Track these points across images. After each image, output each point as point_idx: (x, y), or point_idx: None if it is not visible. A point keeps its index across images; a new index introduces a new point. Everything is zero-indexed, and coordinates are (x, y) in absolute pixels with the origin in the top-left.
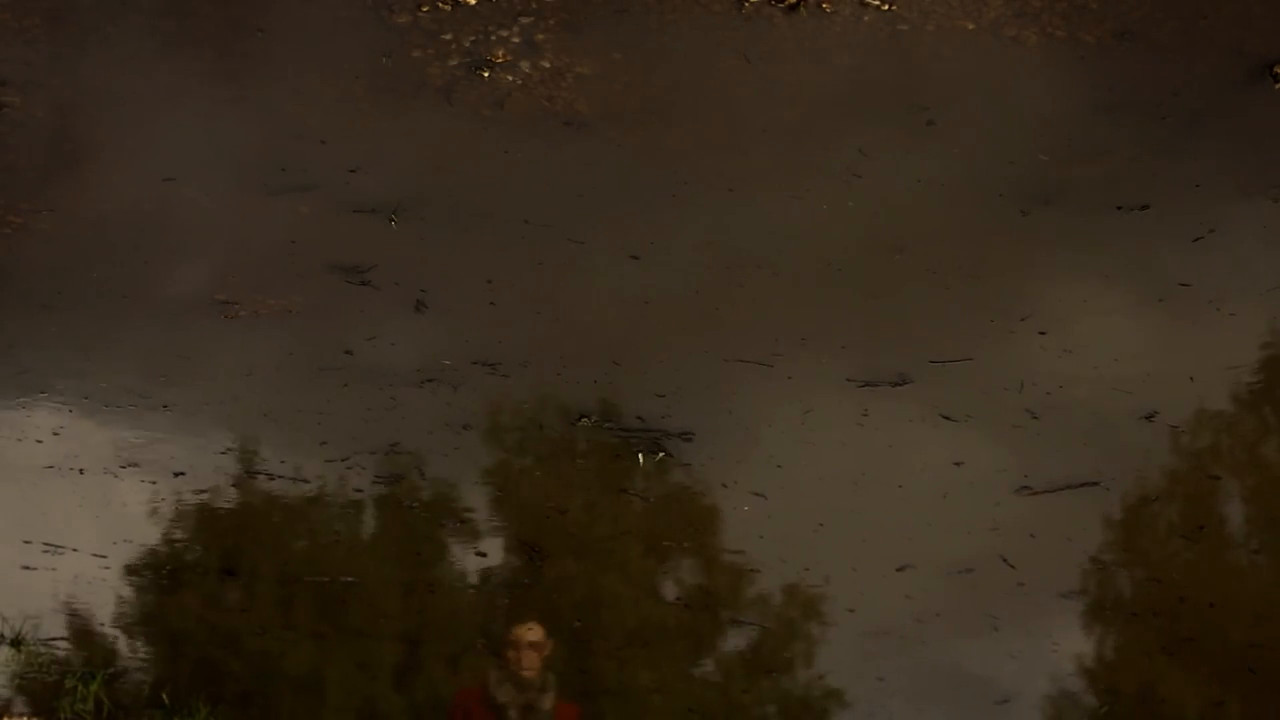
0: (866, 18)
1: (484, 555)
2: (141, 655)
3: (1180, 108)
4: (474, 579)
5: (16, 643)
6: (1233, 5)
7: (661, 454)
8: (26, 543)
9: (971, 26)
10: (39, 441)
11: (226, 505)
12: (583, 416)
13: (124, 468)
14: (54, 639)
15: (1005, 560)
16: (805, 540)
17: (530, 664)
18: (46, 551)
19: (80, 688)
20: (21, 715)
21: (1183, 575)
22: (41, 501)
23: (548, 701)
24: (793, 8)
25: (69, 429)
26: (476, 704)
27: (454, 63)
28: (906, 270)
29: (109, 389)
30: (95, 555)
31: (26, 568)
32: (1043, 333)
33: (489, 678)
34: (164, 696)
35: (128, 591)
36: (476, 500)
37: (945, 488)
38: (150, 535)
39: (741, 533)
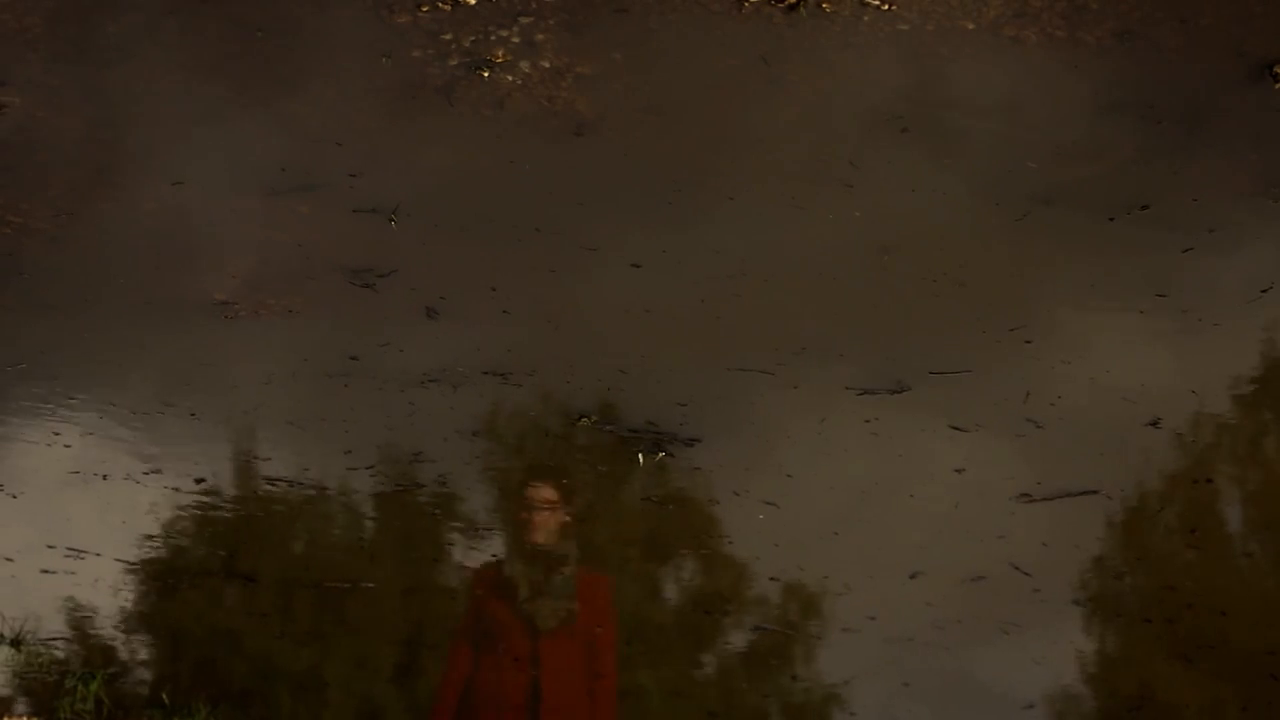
0: (866, 18)
1: (500, 560)
2: (147, 656)
3: (1180, 108)
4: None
5: (16, 643)
6: (1233, 5)
7: (662, 454)
8: (50, 547)
9: (971, 26)
10: (67, 446)
11: (246, 512)
12: (583, 416)
13: (147, 474)
14: (54, 639)
15: (1020, 568)
16: (821, 548)
17: (545, 529)
18: (68, 556)
19: (80, 688)
20: (21, 715)
21: (1196, 582)
22: (66, 507)
23: (566, 573)
24: (793, 8)
25: (96, 435)
26: (489, 586)
27: (454, 63)
28: (908, 278)
29: (136, 396)
30: (114, 560)
31: (46, 571)
32: (1029, 342)
33: (505, 554)
34: (164, 696)
35: (141, 595)
36: (495, 507)
37: (957, 496)
38: (169, 541)
39: (757, 540)
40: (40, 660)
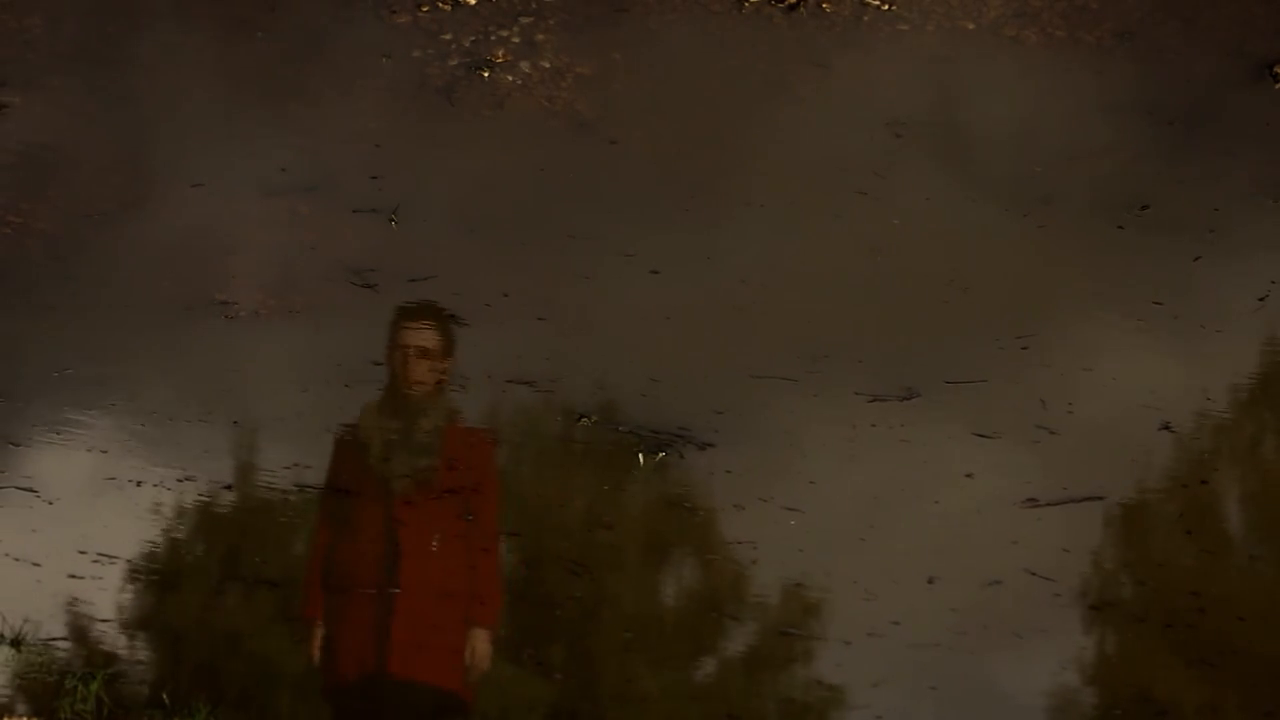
0: (866, 18)
1: (529, 568)
2: (155, 657)
3: (1180, 108)
4: (520, 593)
5: (16, 643)
6: (1233, 5)
7: (662, 454)
8: (81, 552)
9: (971, 26)
10: (103, 452)
11: (275, 518)
12: (582, 416)
13: (180, 481)
14: (55, 639)
15: (1041, 574)
16: (846, 554)
17: (419, 378)
18: (96, 561)
19: (80, 688)
20: (21, 716)
21: (1216, 587)
22: (98, 513)
23: (428, 426)
24: (793, 8)
25: (133, 441)
26: (346, 445)
27: (454, 63)
28: (928, 285)
29: (176, 403)
30: (142, 566)
31: (73, 576)
32: (1024, 349)
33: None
34: (164, 697)
35: (169, 601)
36: (521, 515)
37: (979, 503)
38: (199, 547)
39: (784, 546)
40: (40, 660)
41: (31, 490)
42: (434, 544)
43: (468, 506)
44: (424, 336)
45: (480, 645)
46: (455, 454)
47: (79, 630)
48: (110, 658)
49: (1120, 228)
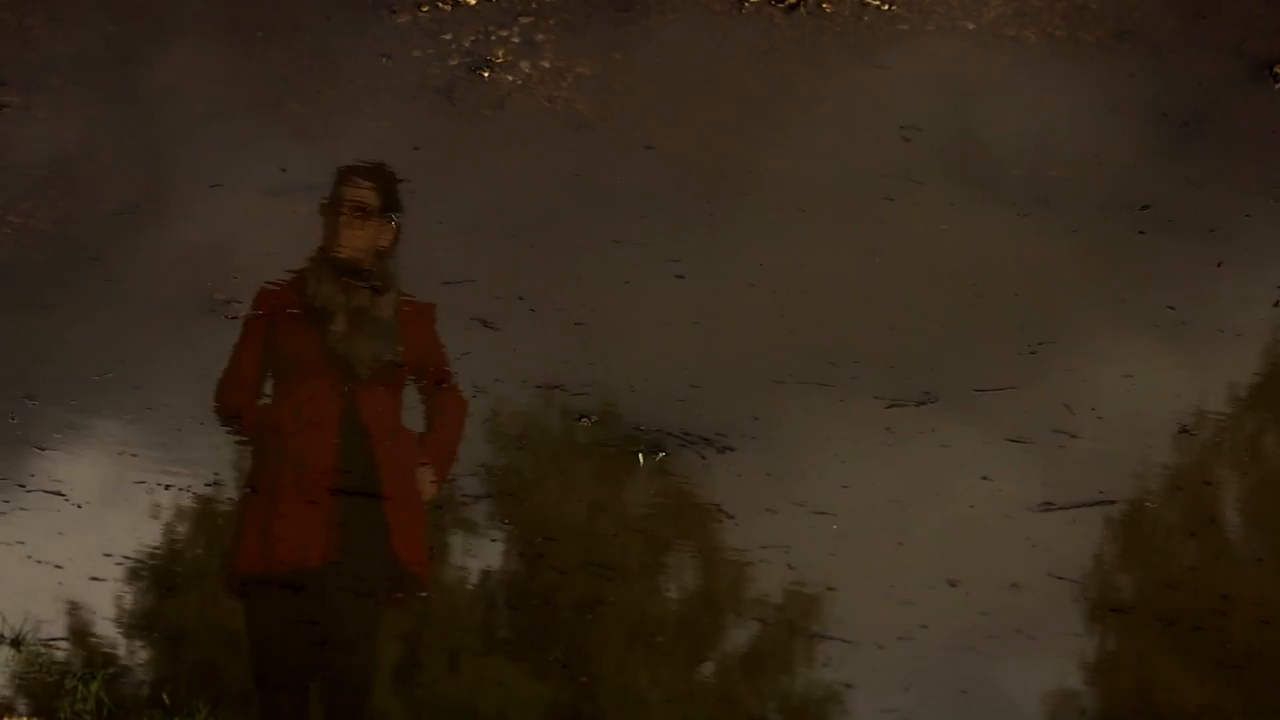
0: (866, 18)
1: (563, 573)
2: (161, 659)
3: (1180, 108)
4: (548, 597)
5: (17, 643)
6: (1233, 5)
7: (662, 454)
8: (106, 555)
9: (972, 26)
10: (134, 455)
11: None
12: (582, 416)
13: (208, 485)
14: (58, 639)
15: (1068, 578)
16: (877, 559)
17: (353, 241)
18: (120, 564)
19: (80, 688)
20: (21, 716)
21: (1247, 591)
22: (124, 516)
23: (386, 305)
24: (793, 8)
25: (168, 445)
26: (283, 307)
27: (454, 63)
28: (952, 289)
29: (204, 406)
30: (166, 569)
31: (95, 579)
32: (1033, 353)
33: (306, 269)
34: (164, 697)
35: (193, 604)
36: (548, 519)
37: (1001, 507)
38: (207, 550)
39: (815, 550)
40: (40, 660)
41: (59, 494)
42: (394, 432)
43: (419, 388)
44: (366, 193)
45: (426, 487)
46: (407, 333)
47: (94, 631)
48: (132, 659)
49: (1141, 232)
